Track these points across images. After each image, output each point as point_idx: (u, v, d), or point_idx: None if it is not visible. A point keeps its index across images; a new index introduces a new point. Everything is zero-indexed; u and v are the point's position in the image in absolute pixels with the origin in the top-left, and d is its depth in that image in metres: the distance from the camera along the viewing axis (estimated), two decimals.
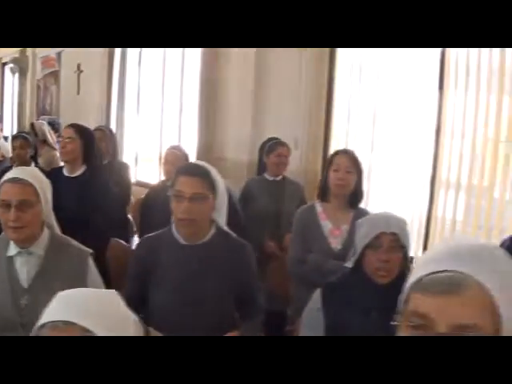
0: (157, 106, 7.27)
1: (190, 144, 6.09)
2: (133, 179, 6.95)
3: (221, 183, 2.47)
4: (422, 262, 1.17)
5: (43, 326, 1.19)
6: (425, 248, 4.24)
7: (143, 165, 7.69)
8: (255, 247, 3.91)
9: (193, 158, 5.49)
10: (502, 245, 2.47)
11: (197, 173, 2.43)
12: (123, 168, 5.43)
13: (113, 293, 1.30)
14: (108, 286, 2.72)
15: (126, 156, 7.75)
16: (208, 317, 2.40)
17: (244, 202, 4.47)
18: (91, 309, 1.20)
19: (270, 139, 4.66)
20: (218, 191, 2.45)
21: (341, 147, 4.84)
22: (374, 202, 4.69)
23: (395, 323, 1.14)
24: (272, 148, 4.49)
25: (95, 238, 3.19)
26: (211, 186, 2.42)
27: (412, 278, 1.14)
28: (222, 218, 2.56)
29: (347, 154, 3.27)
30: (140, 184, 6.86)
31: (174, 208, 2.42)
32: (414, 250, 3.83)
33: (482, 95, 3.89)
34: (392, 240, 2.26)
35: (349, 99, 5.00)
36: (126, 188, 5.14)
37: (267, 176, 4.53)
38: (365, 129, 4.85)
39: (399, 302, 1.15)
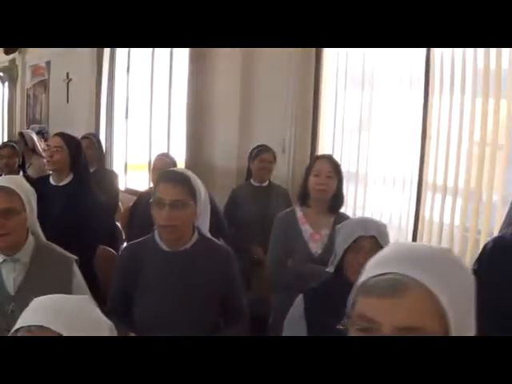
0: (145, 113, 7.28)
1: (179, 151, 6.10)
2: (122, 187, 6.96)
3: (202, 189, 2.48)
4: (369, 265, 1.16)
5: (18, 330, 1.22)
6: None
7: (133, 172, 7.69)
8: (243, 253, 3.95)
9: (182, 165, 5.52)
10: (486, 246, 2.47)
11: (176, 179, 2.43)
12: (111, 176, 5.44)
13: (86, 299, 1.32)
14: (97, 293, 2.73)
15: (116, 164, 7.76)
16: (192, 323, 2.40)
17: (231, 208, 4.49)
18: (64, 314, 1.23)
19: (258, 146, 4.69)
20: (198, 197, 2.45)
21: (328, 151, 4.88)
22: (360, 205, 4.71)
23: (341, 327, 1.14)
24: (256, 154, 4.54)
25: (83, 246, 3.21)
26: (192, 192, 2.42)
27: (359, 282, 1.14)
28: (204, 224, 2.57)
29: (328, 159, 3.30)
30: (130, 192, 6.86)
31: (155, 215, 2.43)
32: None
33: (467, 98, 3.91)
34: (371, 243, 2.27)
35: (335, 103, 5.01)
36: (113, 196, 5.15)
37: (253, 182, 4.56)
38: (351, 132, 4.86)
39: (348, 306, 1.15)
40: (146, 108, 7.28)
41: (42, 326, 1.20)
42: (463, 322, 1.09)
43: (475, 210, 3.90)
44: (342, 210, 3.99)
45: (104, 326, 1.27)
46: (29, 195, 2.40)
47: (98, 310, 1.30)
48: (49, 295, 1.30)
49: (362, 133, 4.77)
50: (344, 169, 4.69)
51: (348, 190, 4.70)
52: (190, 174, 2.50)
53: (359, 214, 4.57)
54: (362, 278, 1.13)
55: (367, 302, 1.08)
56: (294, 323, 2.30)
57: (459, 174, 3.98)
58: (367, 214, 4.45)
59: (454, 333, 1.06)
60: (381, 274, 1.09)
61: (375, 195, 4.65)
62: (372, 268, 1.13)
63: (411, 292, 1.05)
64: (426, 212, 4.19)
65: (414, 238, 4.26)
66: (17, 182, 2.40)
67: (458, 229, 4.00)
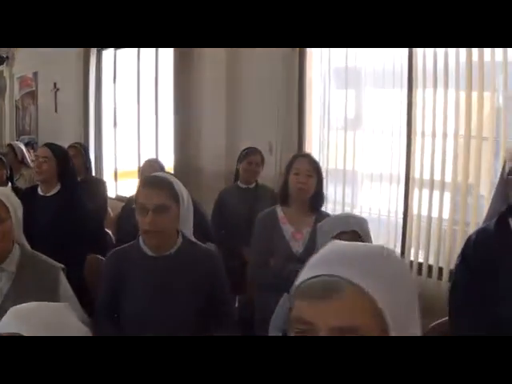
0: (133, 120, 7.28)
1: (168, 156, 6.10)
2: (113, 194, 6.96)
3: (185, 194, 2.48)
4: (307, 266, 1.14)
5: None
6: (403, 245, 4.28)
7: (123, 179, 7.68)
8: (232, 255, 3.96)
9: (171, 170, 5.53)
10: (469, 239, 2.47)
11: (158, 184, 2.43)
12: (99, 184, 5.45)
13: (64, 306, 1.33)
14: (87, 300, 2.73)
15: (106, 172, 7.76)
16: (178, 326, 2.38)
17: (218, 211, 4.50)
18: (40, 322, 1.24)
19: (247, 148, 4.70)
20: (181, 202, 2.45)
21: (315, 149, 4.90)
22: (349, 202, 4.72)
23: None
24: (244, 156, 4.55)
25: (72, 255, 3.20)
26: (174, 196, 2.42)
27: (295, 284, 1.13)
28: (188, 228, 2.57)
29: (307, 158, 3.29)
30: (120, 199, 6.85)
31: (139, 220, 2.43)
32: (392, 248, 3.84)
33: (451, 91, 3.93)
34: (353, 238, 2.27)
35: (323, 101, 5.02)
36: (102, 203, 5.16)
37: (240, 184, 4.57)
38: (337, 130, 4.86)
39: (287, 309, 1.14)
40: (133, 114, 7.28)
41: (19, 335, 1.21)
42: (404, 321, 1.08)
43: (463, 203, 3.92)
44: (331, 207, 4.00)
45: (81, 332, 1.28)
46: (14, 204, 2.40)
47: (75, 317, 1.30)
48: (26, 303, 1.31)
49: (347, 130, 4.78)
50: (331, 166, 4.75)
51: (336, 187, 4.72)
52: (172, 178, 2.50)
53: (348, 211, 4.57)
54: (299, 280, 1.12)
55: (302, 305, 1.08)
56: (281, 323, 2.30)
57: (445, 167, 4.00)
58: (356, 211, 4.46)
59: (393, 332, 1.05)
60: (315, 276, 1.09)
61: (363, 192, 4.67)
62: (308, 270, 1.12)
63: (344, 293, 1.04)
64: (414, 207, 4.21)
65: (404, 233, 4.28)
66: (2, 192, 2.40)
67: (447, 222, 4.02)
